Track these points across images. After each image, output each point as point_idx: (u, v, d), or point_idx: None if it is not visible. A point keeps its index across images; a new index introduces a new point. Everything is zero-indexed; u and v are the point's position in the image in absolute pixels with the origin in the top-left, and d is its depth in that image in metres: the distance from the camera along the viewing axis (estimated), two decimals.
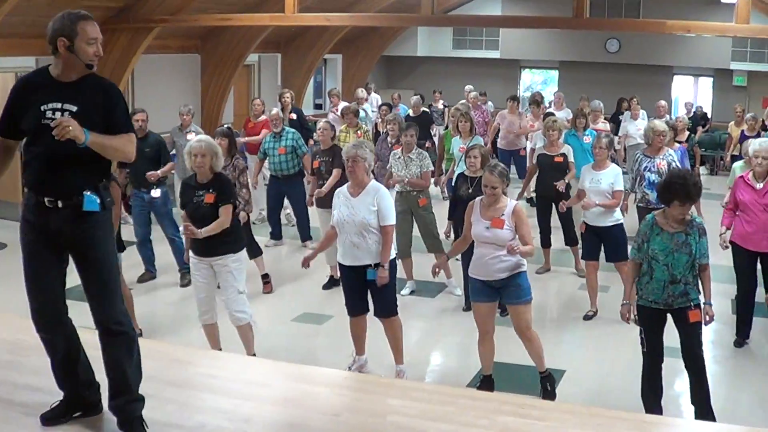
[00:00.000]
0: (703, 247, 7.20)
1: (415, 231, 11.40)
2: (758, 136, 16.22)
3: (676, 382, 8.21)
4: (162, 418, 5.34)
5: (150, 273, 11.71)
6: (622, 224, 10.53)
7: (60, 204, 4.87)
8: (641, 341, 7.44)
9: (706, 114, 21.53)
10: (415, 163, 11.18)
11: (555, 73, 27.33)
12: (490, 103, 22.33)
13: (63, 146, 4.71)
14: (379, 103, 20.68)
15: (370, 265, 8.17)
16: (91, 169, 4.94)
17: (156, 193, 11.44)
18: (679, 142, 14.01)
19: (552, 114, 16.43)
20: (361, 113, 18.74)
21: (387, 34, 25.47)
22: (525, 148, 16.64)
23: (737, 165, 11.14)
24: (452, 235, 10.76)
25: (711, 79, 25.39)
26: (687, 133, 15.74)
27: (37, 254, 4.98)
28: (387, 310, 8.40)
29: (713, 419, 7.26)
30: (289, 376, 6.44)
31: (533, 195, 12.38)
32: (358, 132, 14.43)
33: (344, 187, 8.45)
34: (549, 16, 19.36)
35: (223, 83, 18.92)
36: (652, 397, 7.50)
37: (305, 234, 13.58)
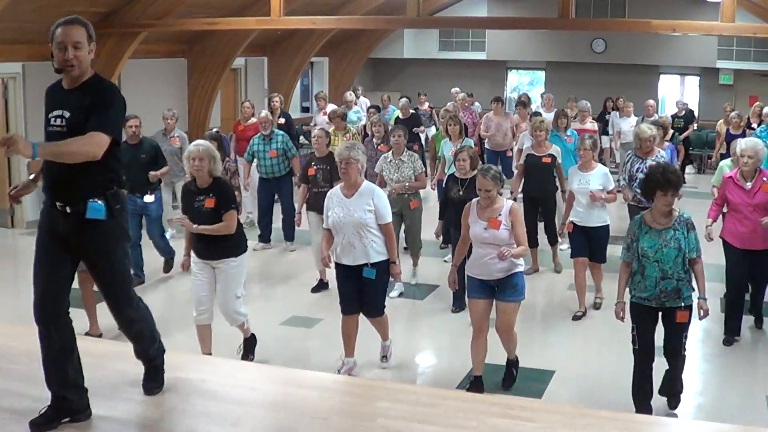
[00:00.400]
0: (692, 241, 7.25)
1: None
2: (743, 134, 16.29)
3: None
4: (151, 423, 5.34)
5: (138, 278, 11.69)
6: (608, 226, 10.68)
7: (68, 209, 5.04)
8: (633, 338, 7.48)
9: (692, 111, 21.59)
10: (408, 165, 11.28)
11: (542, 74, 27.34)
12: (477, 104, 22.35)
13: None
14: (368, 106, 20.67)
15: (367, 265, 8.27)
16: (97, 176, 5.03)
17: (150, 198, 11.48)
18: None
19: (539, 114, 16.49)
20: (353, 116, 18.85)
21: (373, 37, 25.47)
22: (512, 149, 16.65)
23: (724, 163, 11.19)
24: (442, 236, 10.96)
25: (697, 78, 25.44)
26: (671, 131, 15.74)
27: (47, 249, 5.22)
28: (376, 310, 8.55)
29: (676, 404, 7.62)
30: (277, 380, 6.44)
31: (520, 195, 12.39)
32: (347, 135, 14.44)
33: (337, 188, 8.54)
34: (535, 17, 19.35)
35: (210, 87, 18.90)
36: (641, 395, 7.53)
37: (289, 234, 13.76)
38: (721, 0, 12.20)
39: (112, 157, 5.10)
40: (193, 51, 18.87)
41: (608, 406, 7.46)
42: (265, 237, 13.81)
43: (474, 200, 8.21)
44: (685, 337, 7.45)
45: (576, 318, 10.52)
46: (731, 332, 9.64)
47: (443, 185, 11.14)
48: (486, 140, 17.27)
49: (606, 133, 19.89)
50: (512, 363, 8.41)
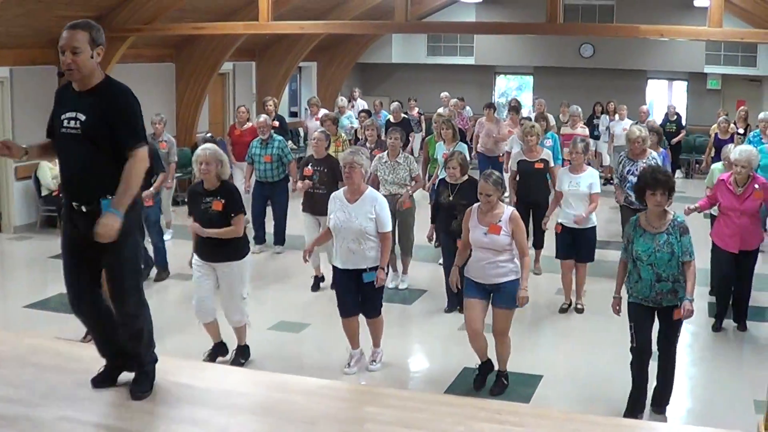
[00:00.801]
0: (685, 245, 7.33)
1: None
2: (732, 139, 16.37)
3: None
4: (139, 428, 5.32)
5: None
6: (595, 227, 10.85)
7: (84, 209, 5.20)
8: (631, 337, 7.58)
9: (680, 116, 21.70)
10: (404, 167, 11.34)
11: (530, 79, 27.37)
12: (468, 108, 22.37)
13: (79, 155, 5.12)
14: (360, 110, 20.68)
15: (366, 270, 8.37)
16: (110, 175, 5.15)
17: (149, 202, 11.45)
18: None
19: (530, 119, 16.49)
20: (346, 122, 18.88)
21: (361, 42, 25.44)
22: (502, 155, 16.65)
23: (716, 167, 11.39)
24: (434, 240, 11.12)
25: (685, 82, 25.50)
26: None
27: (68, 245, 5.44)
28: (375, 311, 8.70)
29: (666, 402, 7.64)
30: (265, 385, 6.41)
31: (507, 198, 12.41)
32: (337, 141, 14.39)
33: (340, 192, 8.62)
34: (523, 22, 19.39)
35: (198, 92, 18.88)
36: (636, 393, 7.64)
37: (279, 238, 13.87)
38: (709, 5, 12.23)
39: (113, 155, 5.20)
40: (181, 55, 18.84)
41: (596, 410, 7.48)
42: (259, 238, 13.89)
43: (475, 205, 8.28)
44: (679, 332, 7.55)
45: (562, 311, 10.78)
46: (720, 320, 10.08)
47: (435, 189, 11.20)
48: (478, 146, 17.26)
49: (595, 137, 19.95)
50: (502, 373, 8.40)
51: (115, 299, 5.45)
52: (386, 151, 11.59)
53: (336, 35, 22.62)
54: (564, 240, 10.76)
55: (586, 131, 17.44)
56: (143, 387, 5.66)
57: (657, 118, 21.71)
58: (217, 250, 8.44)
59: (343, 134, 15.45)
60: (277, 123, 16.76)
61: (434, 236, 11.02)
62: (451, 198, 10.20)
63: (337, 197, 8.54)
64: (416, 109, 22.17)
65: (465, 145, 13.39)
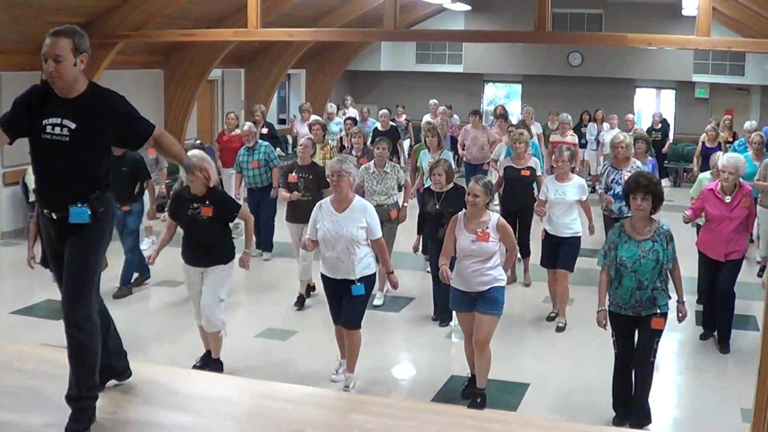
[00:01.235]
0: (669, 253, 7.34)
1: None
2: (719, 147, 16.41)
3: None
4: None
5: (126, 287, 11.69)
6: (580, 237, 10.72)
7: (54, 216, 5.14)
8: (613, 344, 7.63)
9: (667, 123, 21.75)
10: (391, 176, 11.26)
11: (518, 87, 27.44)
12: (456, 116, 22.39)
13: (63, 162, 5.02)
14: (345, 117, 20.68)
15: (354, 282, 8.21)
16: (82, 183, 5.11)
17: (125, 207, 11.38)
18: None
19: (518, 126, 16.48)
20: (335, 128, 18.92)
21: (350, 49, 25.47)
22: (488, 163, 16.65)
23: (703, 176, 11.36)
24: (420, 249, 11.06)
25: (673, 91, 25.60)
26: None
27: (50, 253, 5.40)
28: (354, 322, 8.43)
29: (648, 419, 7.55)
30: (251, 393, 6.40)
31: (497, 207, 12.40)
32: (325, 148, 14.35)
33: (327, 201, 8.47)
34: (511, 30, 19.40)
35: (187, 98, 18.84)
36: (618, 401, 7.68)
37: (267, 245, 13.87)
38: (697, 14, 12.26)
39: (97, 163, 5.19)
40: (170, 62, 18.82)
41: (583, 419, 7.49)
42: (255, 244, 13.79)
43: (461, 213, 8.25)
44: (657, 344, 7.48)
45: (549, 319, 10.73)
46: (709, 328, 10.09)
47: (421, 197, 11.16)
48: (464, 153, 17.25)
49: (582, 146, 20.00)
50: (480, 392, 8.19)
51: (67, 299, 5.12)
52: (373, 161, 11.53)
53: (325, 43, 22.64)
54: (547, 247, 10.71)
55: (576, 139, 17.47)
56: (78, 425, 5.16)
57: (644, 126, 21.75)
58: (205, 255, 8.47)
59: (330, 141, 15.44)
60: (266, 130, 16.86)
61: (420, 247, 10.95)
62: (437, 206, 10.18)
63: (324, 207, 8.38)
64: (404, 116, 22.19)
65: (450, 153, 13.39)
